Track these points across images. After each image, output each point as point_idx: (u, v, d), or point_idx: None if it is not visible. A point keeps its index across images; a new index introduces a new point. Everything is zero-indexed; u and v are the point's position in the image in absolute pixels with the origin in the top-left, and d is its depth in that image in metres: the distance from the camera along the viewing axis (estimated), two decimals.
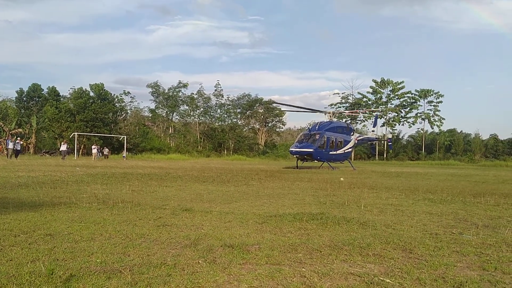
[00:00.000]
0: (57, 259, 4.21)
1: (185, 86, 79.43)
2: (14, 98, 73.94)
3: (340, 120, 37.55)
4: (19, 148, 39.51)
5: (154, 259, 4.32)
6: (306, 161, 33.69)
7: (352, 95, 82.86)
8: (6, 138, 42.20)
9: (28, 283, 3.45)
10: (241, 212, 7.77)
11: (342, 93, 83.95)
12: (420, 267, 4.37)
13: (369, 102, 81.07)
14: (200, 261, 4.25)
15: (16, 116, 68.23)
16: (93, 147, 48.40)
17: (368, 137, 43.46)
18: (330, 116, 35.79)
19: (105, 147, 54.03)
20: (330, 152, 32.44)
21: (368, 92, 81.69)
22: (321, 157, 31.89)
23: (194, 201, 9.47)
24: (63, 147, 42.01)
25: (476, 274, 4.15)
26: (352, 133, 36.79)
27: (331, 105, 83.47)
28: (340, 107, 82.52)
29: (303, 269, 4.16)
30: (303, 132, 34.16)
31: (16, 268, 3.84)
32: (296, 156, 32.26)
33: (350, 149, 35.99)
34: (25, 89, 72.11)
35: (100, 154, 50.24)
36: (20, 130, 65.16)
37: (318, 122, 34.01)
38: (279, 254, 4.66)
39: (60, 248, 4.67)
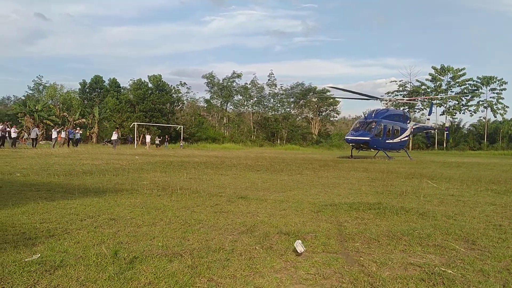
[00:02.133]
0: (121, 242, 4.40)
1: (239, 76, 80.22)
2: (77, 90, 77.62)
3: (397, 108, 36.38)
4: (78, 137, 41.56)
5: (212, 244, 4.43)
6: (362, 150, 33.09)
7: (410, 82, 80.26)
8: (66, 128, 44.53)
9: (94, 264, 3.64)
10: (296, 200, 7.78)
11: (400, 81, 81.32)
12: (483, 258, 4.21)
13: (428, 90, 78.16)
14: (257, 247, 4.31)
15: (79, 107, 71.62)
16: (146, 135, 49.99)
17: (424, 126, 41.99)
18: (386, 104, 34.80)
19: (156, 137, 55.70)
20: (387, 141, 31.66)
21: (427, 80, 78.84)
22: (378, 145, 31.20)
23: (249, 189, 9.57)
24: (114, 136, 43.81)
25: None
26: (408, 121, 35.71)
27: (388, 93, 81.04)
28: (397, 95, 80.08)
29: (361, 258, 4.12)
30: (358, 120, 33.42)
31: (83, 250, 4.06)
32: (351, 145, 31.70)
33: (406, 138, 35.00)
34: (88, 80, 75.57)
35: (166, 144, 51.92)
36: (84, 120, 68.39)
37: (374, 110, 33.14)
38: (335, 243, 4.64)
39: (124, 232, 4.89)
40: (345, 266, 3.85)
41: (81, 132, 44.93)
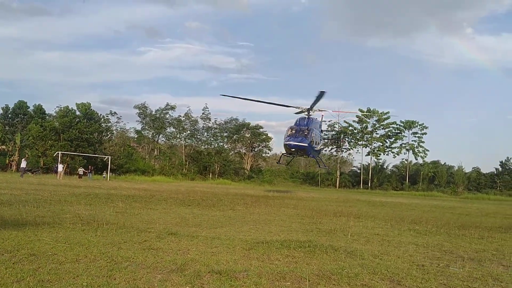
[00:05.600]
0: (42, 280, 4.11)
1: (172, 108, 79.48)
2: None
3: (316, 118, 36.70)
4: None
5: (140, 283, 4.25)
6: (296, 156, 33.50)
7: (339, 123, 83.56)
8: None
9: None
10: (228, 237, 7.69)
11: (329, 121, 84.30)
12: None
13: (354, 131, 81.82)
14: (187, 287, 4.18)
15: (0, 132, 67.36)
16: (59, 165, 47.09)
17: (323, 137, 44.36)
18: (307, 114, 34.64)
19: (81, 167, 53.51)
20: (315, 148, 32.47)
21: (354, 121, 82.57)
22: (310, 152, 31.75)
23: (180, 225, 9.36)
24: (23, 164, 41.59)
25: None
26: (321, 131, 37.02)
27: None
28: (326, 134, 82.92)
29: None
30: (291, 126, 33.32)
31: None
32: (292, 150, 31.53)
33: (322, 147, 36.59)
34: (11, 105, 71.56)
35: (90, 175, 49.85)
36: (4, 147, 64.32)
37: (305, 117, 32.80)
38: (267, 282, 4.61)
39: (45, 269, 4.57)
40: None
41: None
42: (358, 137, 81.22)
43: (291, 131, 31.74)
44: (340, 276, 5.08)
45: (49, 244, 5.99)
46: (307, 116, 32.95)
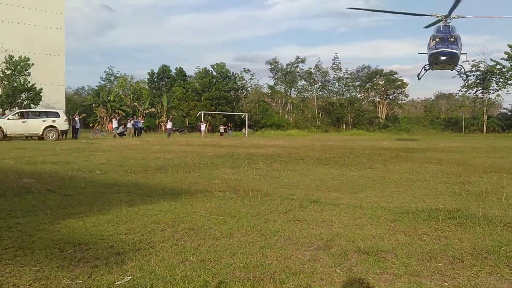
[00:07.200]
0: (204, 260, 4.48)
1: (302, 61, 79.61)
2: (146, 80, 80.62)
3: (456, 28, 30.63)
4: (140, 126, 43.56)
5: (291, 263, 4.44)
6: (442, 68, 29.71)
7: (484, 62, 75.48)
8: (131, 118, 46.00)
9: None
10: (370, 205, 7.61)
11: (472, 61, 76.50)
12: None
13: (503, 69, 73.26)
14: (337, 270, 4.28)
15: (149, 96, 74.46)
16: (201, 124, 50.38)
17: None
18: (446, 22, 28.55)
19: (221, 125, 57.01)
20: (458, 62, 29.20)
21: (502, 59, 73.69)
22: (458, 62, 28.57)
23: (320, 190, 9.50)
24: (169, 125, 44.45)
25: None
26: None
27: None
28: (469, 75, 75.80)
29: (446, 283, 3.98)
30: (433, 34, 28.57)
31: (169, 270, 4.12)
32: (442, 58, 27.77)
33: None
34: (156, 70, 78.29)
35: (230, 132, 53.00)
36: (153, 109, 71.11)
37: (446, 25, 28.15)
38: (417, 263, 4.50)
39: (205, 247, 4.97)
40: None
41: (143, 121, 46.78)
42: (507, 76, 72.80)
43: (435, 40, 28.05)
44: (497, 255, 4.72)
45: (204, 217, 6.52)
46: (447, 25, 29.10)
